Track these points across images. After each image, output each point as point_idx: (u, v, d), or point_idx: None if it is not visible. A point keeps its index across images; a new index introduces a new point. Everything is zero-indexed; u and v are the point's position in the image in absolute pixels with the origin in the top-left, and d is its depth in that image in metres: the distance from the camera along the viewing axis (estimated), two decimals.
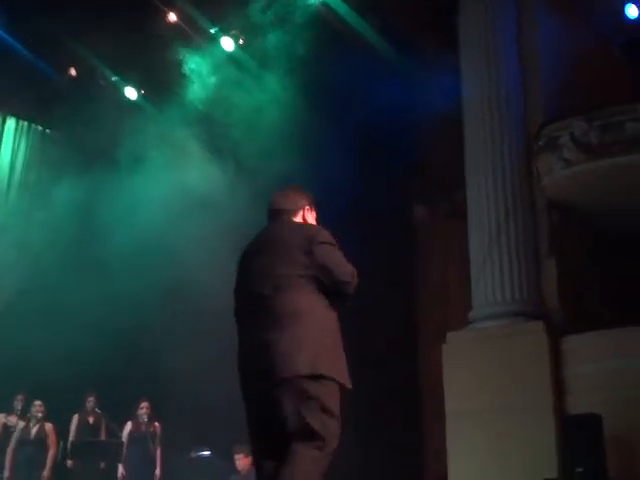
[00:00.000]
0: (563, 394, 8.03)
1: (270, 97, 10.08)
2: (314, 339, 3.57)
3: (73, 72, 11.18)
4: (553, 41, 8.97)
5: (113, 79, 11.25)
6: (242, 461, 9.48)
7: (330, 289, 3.68)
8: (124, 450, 9.66)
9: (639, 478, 7.49)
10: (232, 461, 9.50)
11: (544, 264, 8.55)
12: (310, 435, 3.49)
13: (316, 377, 3.51)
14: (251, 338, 3.67)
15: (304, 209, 3.99)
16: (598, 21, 8.44)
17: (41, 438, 9.54)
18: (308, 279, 3.65)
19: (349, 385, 3.64)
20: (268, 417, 3.58)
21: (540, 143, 8.62)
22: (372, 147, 9.86)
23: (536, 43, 8.91)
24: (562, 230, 8.71)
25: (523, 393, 7.96)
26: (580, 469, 7.31)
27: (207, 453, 9.61)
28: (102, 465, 9.66)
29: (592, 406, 7.55)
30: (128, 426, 9.84)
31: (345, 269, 3.71)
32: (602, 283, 8.90)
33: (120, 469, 9.67)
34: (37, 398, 9.60)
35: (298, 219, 3.96)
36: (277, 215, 3.96)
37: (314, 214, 4.05)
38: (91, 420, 9.97)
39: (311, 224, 3.96)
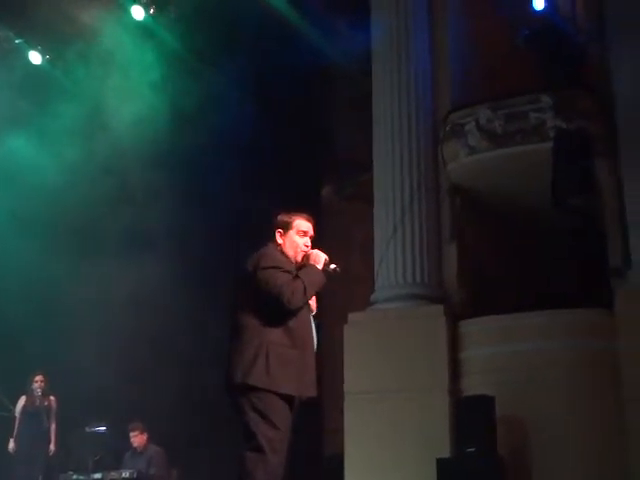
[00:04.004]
0: (459, 376, 8.19)
1: (174, 66, 9.97)
2: (249, 353, 4.09)
3: None
4: (462, 29, 9.08)
5: (17, 42, 10.88)
6: (137, 438, 9.40)
7: (270, 307, 4.13)
8: (16, 424, 9.44)
9: (527, 456, 7.74)
10: (127, 438, 9.41)
11: (446, 248, 8.69)
12: (247, 436, 4.04)
13: (249, 387, 4.06)
14: None
15: (275, 233, 4.42)
16: (506, 11, 8.57)
17: None
18: (250, 301, 4.18)
19: (290, 392, 4.11)
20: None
21: (447, 129, 8.72)
22: (281, 124, 9.80)
23: (446, 31, 8.99)
24: (464, 215, 8.86)
25: (420, 375, 8.09)
26: (471, 449, 7.49)
27: (102, 429, 9.46)
28: None
29: (486, 388, 7.73)
30: (22, 400, 9.60)
31: (276, 290, 4.10)
32: (501, 268, 9.12)
33: (11, 443, 9.44)
34: None
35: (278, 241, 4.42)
36: None
37: (291, 235, 4.42)
38: None
39: (262, 251, 4.30)
